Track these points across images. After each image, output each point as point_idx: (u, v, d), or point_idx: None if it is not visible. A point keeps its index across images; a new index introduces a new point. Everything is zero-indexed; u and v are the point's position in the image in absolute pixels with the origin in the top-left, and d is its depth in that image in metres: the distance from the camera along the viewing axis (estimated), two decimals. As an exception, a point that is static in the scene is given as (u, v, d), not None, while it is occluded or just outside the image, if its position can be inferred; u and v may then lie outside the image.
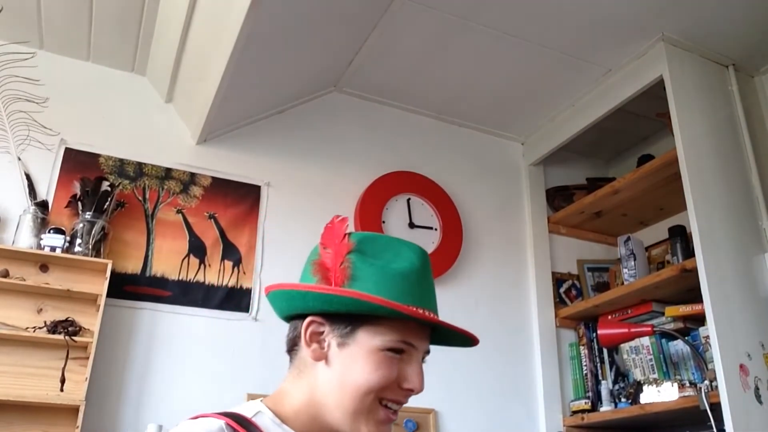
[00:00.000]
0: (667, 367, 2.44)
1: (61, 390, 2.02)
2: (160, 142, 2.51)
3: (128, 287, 2.26)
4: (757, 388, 2.01)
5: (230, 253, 2.45)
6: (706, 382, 2.11)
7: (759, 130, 2.48)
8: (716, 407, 2.00)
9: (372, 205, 2.65)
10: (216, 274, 2.40)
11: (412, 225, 2.71)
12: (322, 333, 0.92)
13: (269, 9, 1.97)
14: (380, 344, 0.89)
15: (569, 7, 2.28)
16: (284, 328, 0.99)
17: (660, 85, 2.40)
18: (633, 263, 2.59)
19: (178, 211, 2.44)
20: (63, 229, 2.17)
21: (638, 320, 2.55)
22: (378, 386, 0.89)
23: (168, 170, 2.48)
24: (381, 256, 0.92)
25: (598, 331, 2.50)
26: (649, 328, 2.38)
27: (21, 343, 2.04)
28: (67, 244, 2.15)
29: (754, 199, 2.34)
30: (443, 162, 2.93)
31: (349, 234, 0.94)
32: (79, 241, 2.18)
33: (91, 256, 2.16)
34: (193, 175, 2.50)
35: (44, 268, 2.16)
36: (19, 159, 2.29)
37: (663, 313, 2.45)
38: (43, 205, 2.23)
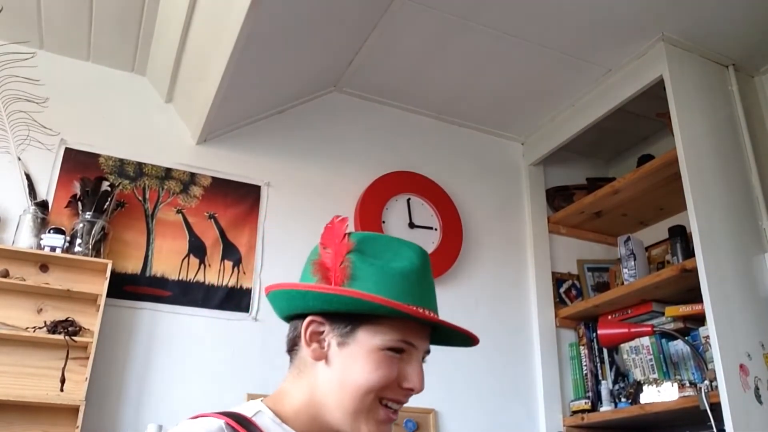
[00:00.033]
0: (667, 367, 2.44)
1: (61, 390, 2.02)
2: (160, 142, 2.51)
3: (128, 287, 2.26)
4: (757, 388, 2.01)
5: (230, 253, 2.45)
6: (706, 382, 2.11)
7: (759, 130, 2.48)
8: (716, 407, 2.00)
9: (372, 205, 2.65)
10: (216, 274, 2.40)
11: (412, 225, 2.71)
12: (322, 333, 0.92)
13: (269, 9, 1.97)
14: (380, 344, 0.89)
15: (569, 7, 2.28)
16: (284, 328, 0.99)
17: (660, 85, 2.40)
18: (633, 263, 2.59)
19: (178, 211, 2.44)
20: (63, 229, 2.17)
21: (638, 320, 2.55)
22: (378, 386, 0.89)
23: (168, 170, 2.48)
24: (381, 256, 0.92)
25: (598, 331, 2.50)
26: (649, 328, 2.38)
27: (21, 343, 2.04)
28: (67, 244, 2.15)
29: (754, 199, 2.34)
30: (443, 162, 2.93)
31: (349, 234, 0.94)
32: (79, 241, 2.18)
33: (91, 256, 2.16)
34: (193, 175, 2.50)
35: (44, 268, 2.16)
36: (19, 159, 2.29)
37: (663, 313, 2.45)
38: (43, 205, 2.23)
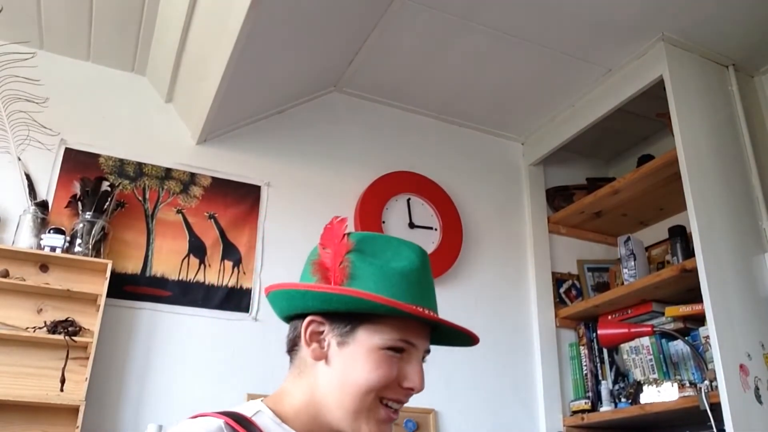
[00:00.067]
0: (667, 367, 2.44)
1: (61, 390, 2.02)
2: (160, 142, 2.51)
3: (128, 287, 2.26)
4: (757, 388, 2.01)
5: (230, 253, 2.45)
6: (706, 382, 2.11)
7: (759, 130, 2.48)
8: (716, 407, 2.00)
9: (372, 205, 2.65)
10: (216, 274, 2.40)
11: (412, 225, 2.71)
12: (322, 332, 0.92)
13: (269, 9, 1.97)
14: (380, 343, 0.89)
15: (569, 7, 2.28)
16: (284, 328, 0.99)
17: (660, 85, 2.40)
18: (633, 263, 2.59)
19: (178, 211, 2.44)
20: (63, 229, 2.17)
21: (638, 320, 2.55)
22: (378, 385, 0.89)
23: (168, 170, 2.48)
24: (380, 256, 0.93)
25: (598, 331, 2.50)
26: (649, 328, 2.38)
27: (21, 343, 2.04)
28: (67, 244, 2.15)
29: (754, 199, 2.34)
30: (443, 162, 2.93)
31: (348, 234, 0.94)
32: (79, 241, 2.18)
33: (91, 256, 2.16)
34: (193, 175, 2.50)
35: (44, 268, 2.16)
36: (19, 159, 2.29)
37: (663, 313, 2.45)
38: (43, 205, 2.23)
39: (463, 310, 2.68)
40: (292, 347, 0.97)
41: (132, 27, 2.42)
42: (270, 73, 2.43)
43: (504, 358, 2.69)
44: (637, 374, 2.52)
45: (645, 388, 2.36)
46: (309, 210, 2.58)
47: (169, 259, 2.35)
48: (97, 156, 2.40)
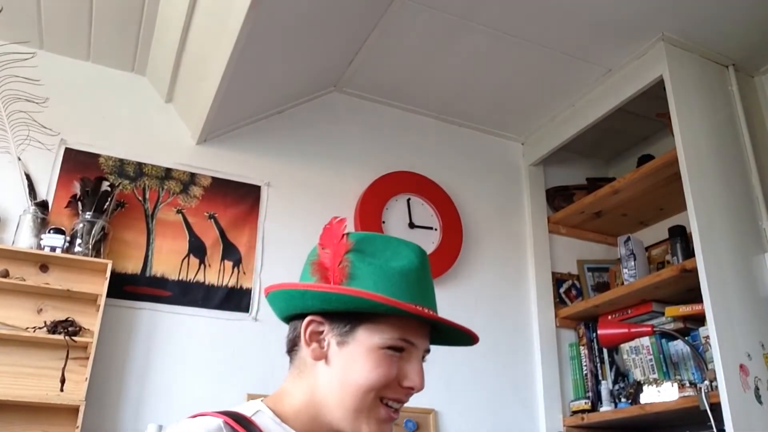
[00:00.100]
0: (667, 367, 2.44)
1: (61, 390, 2.02)
2: (160, 142, 2.51)
3: (128, 287, 2.26)
4: (757, 388, 2.01)
5: (230, 253, 2.45)
6: (706, 382, 2.11)
7: (759, 130, 2.48)
8: (716, 407, 2.00)
9: (372, 205, 2.65)
10: (216, 274, 2.40)
11: (412, 225, 2.71)
12: (322, 332, 0.92)
13: (269, 9, 1.97)
14: (380, 342, 0.89)
15: (569, 7, 2.28)
16: (284, 328, 0.99)
17: (660, 85, 2.40)
18: (633, 263, 2.59)
19: (178, 211, 2.44)
20: (63, 229, 2.17)
21: (638, 320, 2.55)
22: (378, 384, 0.89)
23: (168, 170, 2.48)
24: (379, 255, 0.93)
25: (598, 331, 2.50)
26: (649, 328, 2.38)
27: (21, 343, 2.04)
28: (67, 244, 2.15)
29: (754, 199, 2.34)
30: (443, 162, 2.93)
31: (347, 234, 0.94)
32: (79, 241, 2.18)
33: (91, 256, 2.16)
34: (193, 175, 2.51)
35: (44, 268, 2.16)
36: (19, 159, 2.29)
37: (663, 313, 2.45)
38: (43, 205, 2.23)
39: (463, 310, 2.68)
40: (292, 347, 0.97)
41: (132, 27, 2.42)
42: (270, 73, 2.43)
43: (504, 358, 2.69)
44: (637, 374, 2.52)
45: (645, 388, 2.36)
46: (309, 210, 2.58)
47: (169, 259, 2.35)
48: (97, 156, 2.40)
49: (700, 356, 2.26)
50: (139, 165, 2.45)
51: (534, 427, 2.63)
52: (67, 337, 2.04)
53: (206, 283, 2.37)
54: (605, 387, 2.58)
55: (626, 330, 2.40)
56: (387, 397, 0.90)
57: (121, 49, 2.51)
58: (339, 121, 2.80)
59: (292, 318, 0.97)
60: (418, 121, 2.96)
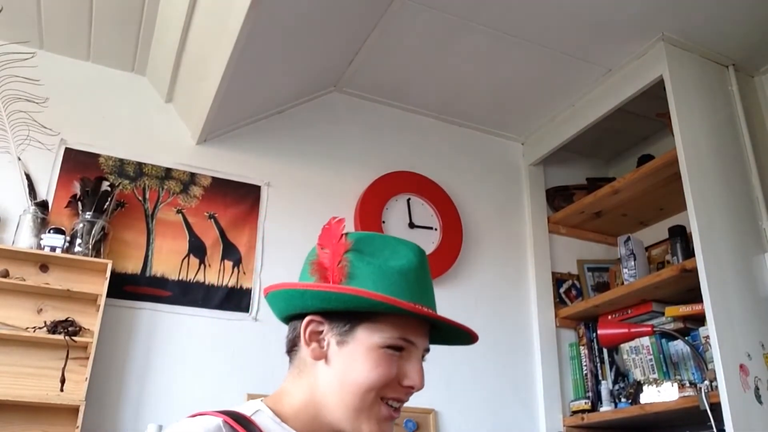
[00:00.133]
0: (667, 367, 2.44)
1: (61, 390, 2.02)
2: (160, 142, 2.51)
3: (128, 287, 2.26)
4: (757, 388, 2.01)
5: (230, 253, 2.45)
6: (706, 382, 2.11)
7: (759, 130, 2.48)
8: (716, 407, 2.00)
9: (372, 205, 2.65)
10: (216, 274, 2.40)
11: (412, 225, 2.71)
12: (322, 332, 0.92)
13: (269, 9, 1.97)
14: (380, 341, 0.89)
15: (569, 7, 2.28)
16: (284, 328, 0.99)
17: (660, 85, 2.40)
18: (633, 263, 2.59)
19: (178, 211, 2.44)
20: (63, 229, 2.17)
21: (638, 320, 2.55)
22: (378, 384, 0.89)
23: (168, 170, 2.48)
24: (378, 255, 0.93)
25: (598, 331, 2.50)
26: (649, 328, 2.38)
27: (21, 343, 2.04)
28: (67, 244, 2.15)
29: (754, 199, 2.34)
30: (443, 162, 2.93)
31: (346, 234, 0.94)
32: (79, 241, 2.18)
33: (91, 256, 2.16)
34: (193, 175, 2.51)
35: (44, 268, 2.16)
36: (19, 159, 2.29)
37: (663, 313, 2.45)
38: (43, 205, 2.23)
39: (463, 310, 2.68)
40: (292, 347, 0.97)
41: (132, 27, 2.42)
42: (270, 73, 2.43)
43: (504, 358, 2.69)
44: (637, 374, 2.52)
45: (645, 388, 2.36)
46: (309, 210, 2.58)
47: (169, 259, 2.35)
48: (97, 156, 2.40)
49: (700, 356, 2.26)
50: (139, 165, 2.45)
51: (534, 427, 2.63)
52: (67, 337, 2.04)
53: (206, 283, 2.37)
54: (605, 387, 2.58)
55: (626, 330, 2.40)
56: (387, 397, 0.90)
57: (121, 49, 2.51)
58: (339, 121, 2.80)
59: (291, 318, 0.97)
60: (418, 121, 2.96)
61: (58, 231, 2.15)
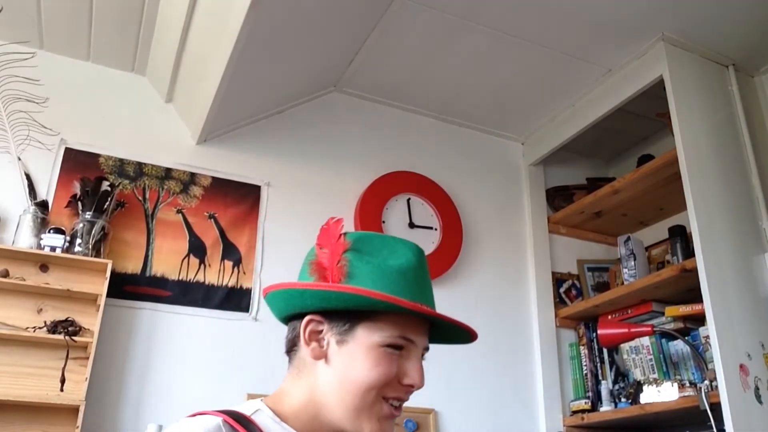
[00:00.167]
0: (667, 367, 2.44)
1: (61, 390, 2.02)
2: (160, 142, 2.51)
3: (128, 287, 2.26)
4: (757, 388, 2.01)
5: (230, 253, 2.45)
6: (706, 382, 2.11)
7: (759, 130, 2.48)
8: (716, 407, 2.00)
9: (372, 205, 2.65)
10: (216, 274, 2.40)
11: (412, 225, 2.71)
12: (321, 331, 0.92)
13: (269, 9, 1.97)
14: (379, 340, 0.89)
15: (569, 7, 2.28)
16: (284, 328, 0.99)
17: (660, 85, 2.40)
18: (633, 263, 2.59)
19: (178, 211, 2.44)
20: (63, 229, 2.17)
21: (638, 320, 2.55)
22: (378, 383, 0.89)
23: (168, 170, 2.48)
24: (377, 254, 0.93)
25: (598, 331, 2.50)
26: (649, 328, 2.38)
27: (21, 343, 2.04)
28: (67, 244, 2.15)
29: (754, 199, 2.34)
30: (443, 162, 2.93)
31: (345, 234, 0.94)
32: (79, 241, 2.18)
33: (91, 256, 2.16)
34: (193, 175, 2.51)
35: (44, 268, 2.16)
36: (19, 159, 2.29)
37: (663, 313, 2.45)
38: (43, 205, 2.23)
39: (463, 310, 2.68)
40: (291, 347, 0.97)
41: (132, 27, 2.42)
42: (270, 73, 2.43)
43: (504, 358, 2.69)
44: (637, 374, 2.52)
45: (645, 388, 2.36)
46: (309, 210, 2.58)
47: (169, 259, 2.35)
48: (97, 156, 2.40)
49: (700, 356, 2.26)
50: (139, 165, 2.45)
51: (534, 427, 2.63)
52: (67, 337, 2.04)
53: (206, 283, 2.37)
54: (605, 387, 2.58)
55: (626, 330, 2.40)
56: (387, 396, 0.91)
57: (121, 49, 2.51)
58: (339, 121, 2.80)
59: (291, 318, 0.97)
60: (418, 121, 2.96)
61: (58, 231, 2.15)
